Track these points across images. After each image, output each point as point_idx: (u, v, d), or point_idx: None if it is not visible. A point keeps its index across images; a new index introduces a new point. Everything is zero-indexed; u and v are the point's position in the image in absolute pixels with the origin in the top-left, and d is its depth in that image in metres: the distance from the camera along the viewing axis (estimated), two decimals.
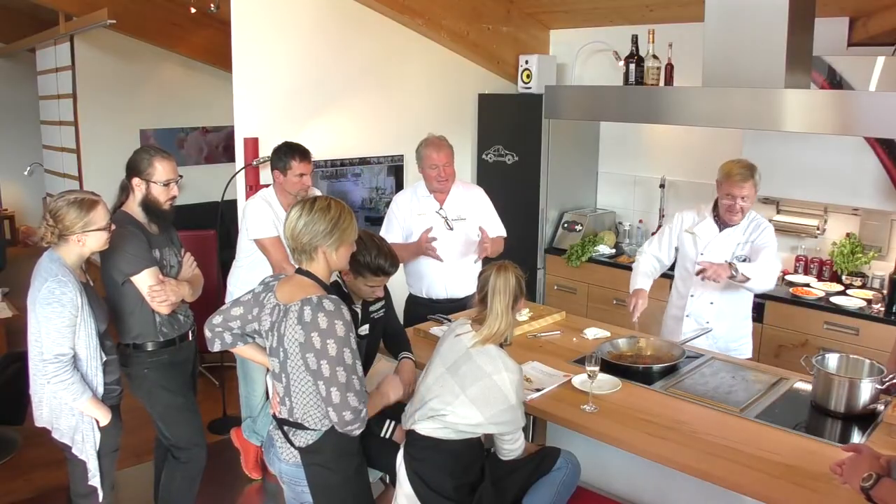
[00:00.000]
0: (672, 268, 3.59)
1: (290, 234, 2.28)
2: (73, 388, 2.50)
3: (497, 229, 3.72)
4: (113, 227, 2.62)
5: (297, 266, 2.34)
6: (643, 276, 3.47)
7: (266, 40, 4.21)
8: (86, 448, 2.61)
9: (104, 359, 2.62)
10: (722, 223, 3.34)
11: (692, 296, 3.43)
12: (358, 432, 2.26)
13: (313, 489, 2.36)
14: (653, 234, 4.02)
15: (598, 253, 4.97)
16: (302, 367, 2.23)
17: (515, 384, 2.38)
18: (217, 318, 2.44)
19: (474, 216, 3.64)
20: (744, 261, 3.29)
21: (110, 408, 2.65)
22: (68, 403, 2.55)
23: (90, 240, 2.54)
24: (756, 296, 3.45)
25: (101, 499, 2.68)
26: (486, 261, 2.77)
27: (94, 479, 2.65)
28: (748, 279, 3.15)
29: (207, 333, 2.47)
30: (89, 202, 2.54)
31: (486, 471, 2.47)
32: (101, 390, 2.61)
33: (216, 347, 2.48)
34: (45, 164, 8.20)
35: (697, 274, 3.17)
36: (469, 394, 2.35)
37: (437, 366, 2.47)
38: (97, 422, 2.62)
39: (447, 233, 3.62)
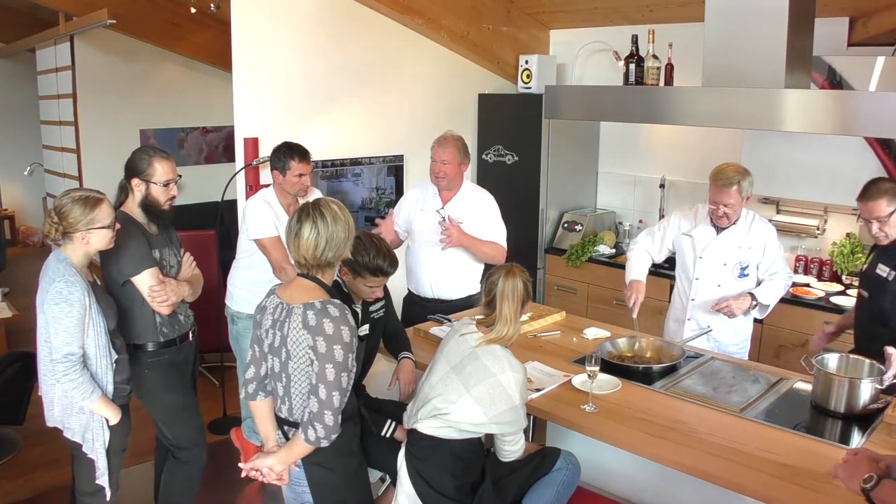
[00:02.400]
0: (671, 268, 3.58)
1: (308, 252, 2.22)
2: (82, 387, 2.50)
3: (495, 236, 3.57)
4: (118, 225, 2.62)
5: (299, 271, 2.32)
6: (639, 268, 3.45)
7: (266, 40, 4.21)
8: (95, 447, 2.62)
9: (115, 357, 2.62)
10: (718, 226, 3.33)
11: (693, 300, 3.41)
12: (326, 444, 2.23)
13: (313, 489, 2.37)
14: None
15: (598, 253, 4.97)
16: (307, 368, 2.23)
17: (520, 384, 2.39)
18: (250, 373, 2.40)
19: (475, 221, 3.55)
20: (745, 268, 3.30)
21: (120, 407, 2.65)
22: (78, 403, 2.56)
23: (94, 238, 2.54)
24: None
25: (108, 497, 2.69)
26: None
27: (103, 478, 2.65)
28: (767, 305, 3.28)
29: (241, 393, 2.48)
30: (94, 200, 2.54)
31: (487, 471, 2.47)
32: (111, 389, 2.61)
33: (242, 395, 2.47)
34: (45, 164, 8.21)
35: (718, 310, 3.24)
36: (473, 393, 2.36)
37: (441, 365, 2.47)
38: (107, 420, 2.62)
39: (441, 233, 3.59)
